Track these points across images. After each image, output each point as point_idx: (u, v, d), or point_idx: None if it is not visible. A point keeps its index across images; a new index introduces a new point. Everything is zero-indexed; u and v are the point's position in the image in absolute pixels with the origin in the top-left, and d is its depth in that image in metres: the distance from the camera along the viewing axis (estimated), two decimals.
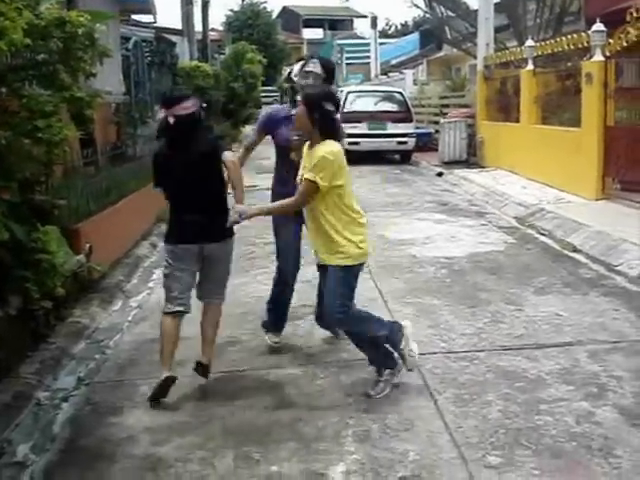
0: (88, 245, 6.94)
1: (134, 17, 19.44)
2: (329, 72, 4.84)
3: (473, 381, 4.70)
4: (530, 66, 13.74)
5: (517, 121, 14.46)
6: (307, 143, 4.40)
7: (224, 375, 4.92)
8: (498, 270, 7.52)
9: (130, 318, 6.43)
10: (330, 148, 4.23)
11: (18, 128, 4.71)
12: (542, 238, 9.12)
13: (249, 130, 28.67)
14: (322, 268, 4.62)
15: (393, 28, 75.72)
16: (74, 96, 5.03)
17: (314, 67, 4.77)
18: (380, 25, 40.81)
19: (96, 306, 6.58)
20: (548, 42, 13.60)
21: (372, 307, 5.44)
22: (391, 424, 4.15)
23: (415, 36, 39.69)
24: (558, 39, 12.93)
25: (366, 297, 6.04)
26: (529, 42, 14.10)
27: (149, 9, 15.08)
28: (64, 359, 5.39)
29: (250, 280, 7.18)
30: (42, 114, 4.82)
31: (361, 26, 73.09)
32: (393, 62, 38.39)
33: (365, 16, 58.42)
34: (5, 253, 5.17)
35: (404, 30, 66.46)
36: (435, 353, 5.19)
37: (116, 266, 7.93)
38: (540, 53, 13.59)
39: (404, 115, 18.43)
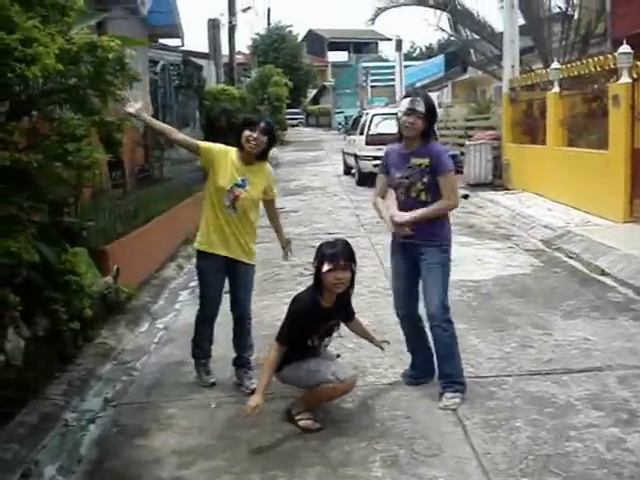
0: (116, 267, 7.00)
1: (162, 41, 19.66)
2: (431, 111, 4.74)
3: (501, 406, 4.65)
4: (556, 88, 13.69)
5: (543, 143, 14.39)
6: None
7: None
8: (525, 293, 7.46)
9: (156, 340, 6.46)
10: None
11: (49, 151, 4.77)
12: (569, 261, 9.04)
13: (275, 151, 28.83)
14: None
15: (418, 51, 76.14)
16: (104, 120, 5.09)
17: (418, 105, 4.65)
18: (405, 48, 40.93)
19: (123, 327, 6.62)
20: (574, 64, 13.56)
21: (399, 331, 5.41)
22: (419, 449, 4.12)
23: (440, 58, 39.71)
24: (584, 61, 12.88)
25: (393, 321, 6.00)
26: (555, 64, 14.06)
27: (177, 33, 15.25)
28: (91, 380, 5.42)
29: (275, 302, 7.18)
30: (72, 138, 4.88)
31: (386, 49, 73.71)
32: (418, 84, 38.40)
33: (390, 39, 58.68)
34: (35, 274, 5.23)
35: (429, 53, 66.73)
36: None
37: (143, 287, 7.97)
38: (566, 75, 13.54)
39: None
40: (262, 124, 4.89)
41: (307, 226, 12.27)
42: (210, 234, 5.02)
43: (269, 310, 6.95)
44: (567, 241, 9.86)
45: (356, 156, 19.14)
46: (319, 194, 17.31)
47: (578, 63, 13.34)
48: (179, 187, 11.74)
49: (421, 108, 4.64)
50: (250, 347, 5.26)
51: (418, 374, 4.98)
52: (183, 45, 16.21)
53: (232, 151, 5.00)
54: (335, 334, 4.80)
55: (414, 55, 69.34)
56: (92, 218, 6.93)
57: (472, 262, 8.99)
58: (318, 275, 4.41)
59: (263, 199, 5.18)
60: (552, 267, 8.75)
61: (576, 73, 13.07)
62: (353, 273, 4.45)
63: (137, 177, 11.18)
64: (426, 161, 4.67)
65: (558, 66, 13.89)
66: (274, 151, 30.74)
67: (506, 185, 16.25)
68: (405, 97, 4.90)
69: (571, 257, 9.17)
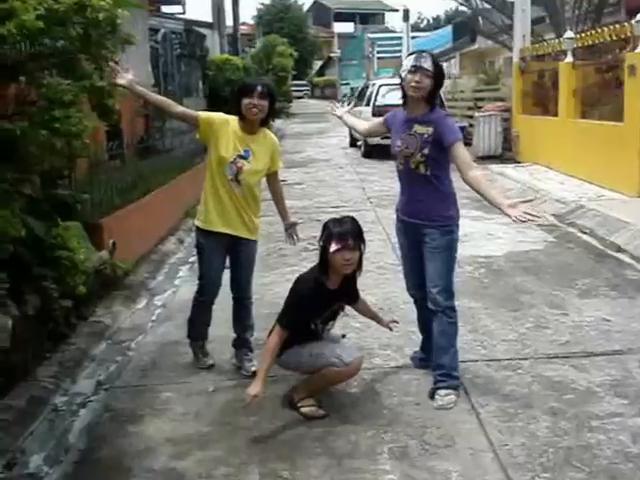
0: (112, 241, 6.70)
1: (164, 9, 19.22)
2: (439, 71, 4.30)
3: (518, 393, 4.36)
4: (569, 58, 13.28)
5: (555, 115, 14.00)
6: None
7: (250, 382, 4.58)
8: (539, 271, 7.15)
9: (154, 318, 6.18)
10: None
11: (35, 118, 4.46)
12: (583, 237, 8.71)
13: (280, 123, 28.46)
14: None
15: (425, 22, 75.38)
16: (94, 85, 4.76)
17: (424, 62, 4.22)
18: (412, 19, 40.24)
19: (119, 305, 6.34)
20: (588, 33, 13.13)
21: (408, 309, 5.14)
22: (430, 440, 3.84)
23: (448, 29, 39.15)
24: (599, 30, 12.47)
25: (402, 299, 5.74)
26: (568, 33, 13.64)
27: (178, 0, 14.78)
28: (84, 361, 5.16)
29: (278, 279, 6.89)
30: (61, 104, 4.56)
31: (392, 20, 73.14)
32: None
33: (396, 10, 58.08)
34: (23, 250, 4.94)
35: (436, 24, 66.10)
36: (476, 361, 4.85)
37: (141, 263, 7.69)
38: (580, 45, 13.13)
39: None
40: (259, 88, 4.51)
41: (312, 199, 11.95)
42: (211, 210, 4.67)
43: (272, 287, 6.66)
44: (580, 216, 9.53)
45: None
46: (324, 166, 16.97)
47: (592, 32, 12.93)
48: (180, 158, 11.43)
49: (428, 65, 4.21)
50: (250, 327, 4.97)
51: (429, 356, 4.66)
52: (184, 12, 15.81)
53: (233, 120, 4.64)
54: (339, 316, 4.52)
55: (421, 26, 68.61)
56: (86, 190, 6.63)
57: (482, 237, 8.68)
58: (324, 255, 4.10)
59: (267, 172, 4.83)
60: (566, 243, 8.42)
61: (590, 42, 12.69)
62: (361, 253, 4.15)
63: (137, 148, 10.81)
64: (429, 130, 4.23)
65: (571, 35, 13.47)
66: (279, 122, 30.48)
67: (516, 158, 15.89)
68: (409, 55, 4.50)
69: (585, 232, 8.84)
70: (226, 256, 4.82)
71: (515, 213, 3.92)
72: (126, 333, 5.80)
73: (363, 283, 4.73)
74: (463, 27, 32.64)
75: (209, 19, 25.89)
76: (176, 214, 9.81)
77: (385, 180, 13.47)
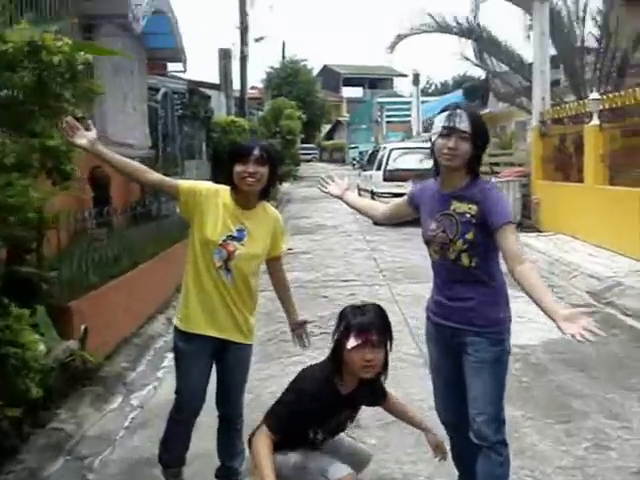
0: (83, 327, 5.70)
1: (169, 69, 18.58)
2: (480, 131, 3.26)
3: None
4: (595, 121, 12.45)
5: (579, 181, 13.12)
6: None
7: None
8: (585, 365, 6.09)
9: (127, 424, 5.12)
10: None
11: None
12: (628, 320, 7.65)
13: (287, 187, 27.72)
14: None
15: (433, 87, 75.87)
16: (45, 145, 3.80)
17: (459, 121, 3.22)
18: (421, 83, 40.02)
19: (87, 405, 5.29)
20: (616, 94, 12.32)
21: (436, 419, 4.08)
22: None
23: (458, 93, 38.79)
24: (630, 90, 11.64)
25: (428, 404, 4.66)
26: (594, 94, 12.83)
27: (179, 57, 14.02)
28: None
29: (278, 373, 5.87)
30: (1, 168, 3.62)
31: (401, 85, 73.69)
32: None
33: (405, 75, 58.29)
34: None
35: (444, 89, 66.40)
36: None
37: (121, 348, 6.66)
38: (607, 106, 12.30)
39: None
40: (256, 152, 3.52)
41: (319, 271, 10.90)
42: (192, 305, 3.64)
43: (269, 384, 5.63)
44: (619, 294, 8.50)
45: (373, 193, 17.92)
46: (332, 233, 16.00)
47: (621, 93, 12.13)
48: (175, 225, 10.47)
49: (464, 125, 3.18)
50: (240, 454, 3.87)
51: None
52: (185, 70, 15.00)
53: (225, 191, 3.66)
54: (350, 424, 3.51)
55: (429, 91, 68.73)
56: (56, 267, 5.68)
57: (514, 320, 7.60)
58: (339, 351, 3.15)
59: (267, 257, 3.83)
60: (610, 328, 7.32)
61: (619, 104, 11.85)
62: (387, 353, 3.20)
63: (131, 214, 9.93)
64: (473, 207, 3.19)
65: (597, 96, 12.65)
66: (286, 186, 29.72)
67: (537, 226, 14.94)
68: (441, 112, 3.50)
69: (628, 315, 7.80)
70: (212, 363, 3.77)
71: (572, 330, 2.75)
72: (90, 445, 4.74)
73: None
74: (474, 91, 32.18)
75: (215, 80, 25.44)
76: (168, 288, 8.79)
77: (397, 250, 12.52)
